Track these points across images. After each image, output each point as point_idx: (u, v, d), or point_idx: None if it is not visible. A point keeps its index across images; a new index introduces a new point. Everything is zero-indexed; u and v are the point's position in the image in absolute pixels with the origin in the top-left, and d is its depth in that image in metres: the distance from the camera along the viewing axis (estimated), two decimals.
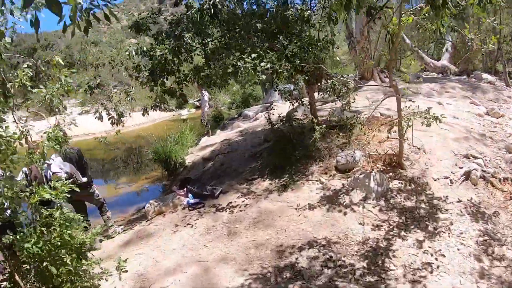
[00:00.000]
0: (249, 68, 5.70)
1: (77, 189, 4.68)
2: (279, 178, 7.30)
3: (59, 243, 3.92)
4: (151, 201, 7.35)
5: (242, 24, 7.19)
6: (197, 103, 30.01)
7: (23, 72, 4.62)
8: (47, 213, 3.88)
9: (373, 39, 17.82)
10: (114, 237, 6.79)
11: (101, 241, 6.60)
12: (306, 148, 7.87)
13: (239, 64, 5.72)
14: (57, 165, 6.12)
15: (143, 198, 9.93)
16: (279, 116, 9.31)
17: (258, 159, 8.57)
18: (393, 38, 5.76)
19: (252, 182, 7.50)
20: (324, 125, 6.31)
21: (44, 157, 4.52)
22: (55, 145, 4.66)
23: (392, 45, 5.89)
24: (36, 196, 3.70)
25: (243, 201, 6.76)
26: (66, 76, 4.64)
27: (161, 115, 26.90)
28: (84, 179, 6.31)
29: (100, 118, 6.32)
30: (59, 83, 4.66)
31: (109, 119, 6.38)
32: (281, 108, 15.31)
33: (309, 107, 8.92)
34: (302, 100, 8.64)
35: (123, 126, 6.43)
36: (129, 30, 7.46)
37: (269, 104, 18.04)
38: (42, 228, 3.84)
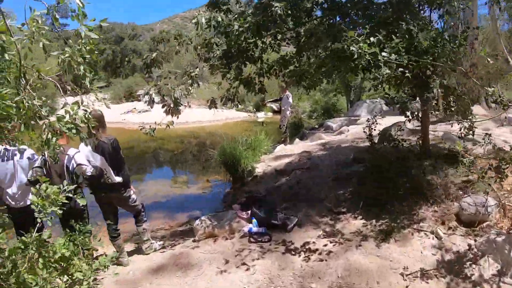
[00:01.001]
0: (367, 55, 3.83)
1: (78, 201, 3.66)
2: (376, 218, 5.31)
3: None
4: (203, 218, 5.70)
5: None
6: (274, 107, 28.32)
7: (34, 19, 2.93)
8: None
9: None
10: (149, 254, 5.33)
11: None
12: (414, 181, 5.84)
13: (352, 48, 3.86)
14: (85, 155, 4.66)
15: (199, 204, 8.38)
16: (379, 133, 7.34)
17: (346, 184, 6.60)
18: None
19: (339, 216, 5.56)
20: (472, 157, 4.26)
21: (48, 143, 2.92)
22: (69, 129, 3.04)
23: None
24: None
25: (326, 245, 4.83)
26: (91, 30, 3.03)
27: (237, 114, 25.73)
28: (118, 179, 4.78)
29: (151, 103, 4.78)
30: (80, 41, 3.04)
31: (163, 107, 4.80)
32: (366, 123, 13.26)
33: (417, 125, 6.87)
34: (419, 115, 6.50)
35: (177, 117, 4.82)
36: (206, 8, 5.85)
37: (355, 118, 16.06)
38: None
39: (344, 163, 7.88)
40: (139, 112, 25.29)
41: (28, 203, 4.96)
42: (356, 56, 3.87)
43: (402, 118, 6.56)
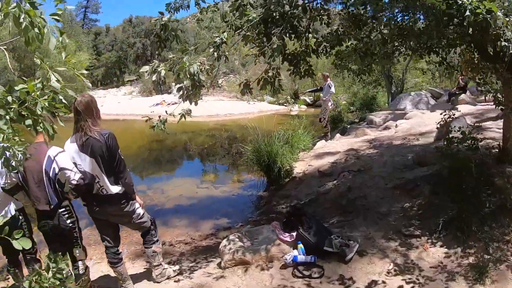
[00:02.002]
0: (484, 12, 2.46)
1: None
2: (462, 245, 3.91)
3: None
4: (231, 237, 4.43)
5: None
6: (307, 99, 26.70)
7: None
8: None
9: None
10: (160, 283, 4.06)
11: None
12: (499, 193, 4.43)
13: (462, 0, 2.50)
14: (70, 157, 3.46)
15: (228, 210, 7.16)
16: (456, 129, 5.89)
17: (412, 193, 5.18)
18: None
19: (411, 241, 4.15)
20: None
21: None
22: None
23: None
24: None
25: (401, 287, 3.49)
26: None
27: (270, 107, 24.44)
28: (116, 189, 3.53)
29: (157, 85, 3.55)
30: None
31: (178, 90, 3.52)
32: (415, 118, 11.71)
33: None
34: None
35: (196, 104, 3.52)
36: None
37: (400, 112, 14.49)
38: None
39: (402, 165, 6.45)
40: (168, 104, 24.65)
41: (9, 215, 3.88)
42: (468, 13, 2.50)
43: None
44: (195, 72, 3.08)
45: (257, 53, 4.01)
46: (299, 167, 8.18)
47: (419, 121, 11.17)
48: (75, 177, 3.37)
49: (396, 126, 11.37)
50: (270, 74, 4.17)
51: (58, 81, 1.93)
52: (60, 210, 3.51)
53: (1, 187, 3.53)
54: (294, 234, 4.15)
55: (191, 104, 3.50)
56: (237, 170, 10.30)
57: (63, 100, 2.10)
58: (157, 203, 7.90)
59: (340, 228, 4.62)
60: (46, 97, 1.98)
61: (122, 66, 47.25)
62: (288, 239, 4.15)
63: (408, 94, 17.74)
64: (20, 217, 3.65)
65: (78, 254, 3.69)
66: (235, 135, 16.47)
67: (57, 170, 3.42)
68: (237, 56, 35.35)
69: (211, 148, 14.46)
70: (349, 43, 4.77)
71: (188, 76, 3.09)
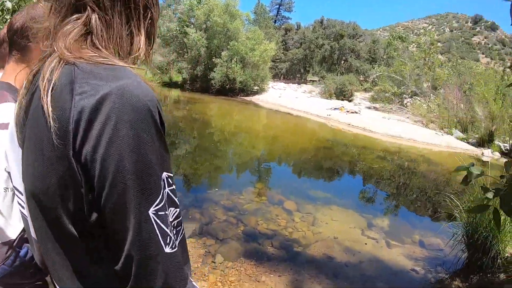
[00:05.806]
0: None
1: None
2: None
3: None
4: None
5: None
6: (502, 146, 20.49)
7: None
8: None
9: None
10: None
11: None
12: None
13: None
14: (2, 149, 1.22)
15: None
16: None
17: None
18: None
19: None
20: None
21: None
22: None
23: None
24: None
25: None
26: None
27: (457, 143, 20.34)
28: None
29: None
30: None
31: None
32: None
33: None
34: None
35: None
36: None
37: None
38: None
39: None
40: (347, 112, 23.89)
41: None
42: None
43: None
44: None
45: None
46: None
47: None
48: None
49: None
50: None
51: None
52: None
53: None
54: None
55: None
56: (422, 224, 7.56)
57: None
58: (300, 240, 5.85)
59: None
60: None
61: (307, 64, 48.80)
62: None
63: None
64: None
65: None
66: (414, 165, 13.47)
67: None
68: (429, 76, 31.18)
69: (383, 173, 11.86)
70: None
71: None
